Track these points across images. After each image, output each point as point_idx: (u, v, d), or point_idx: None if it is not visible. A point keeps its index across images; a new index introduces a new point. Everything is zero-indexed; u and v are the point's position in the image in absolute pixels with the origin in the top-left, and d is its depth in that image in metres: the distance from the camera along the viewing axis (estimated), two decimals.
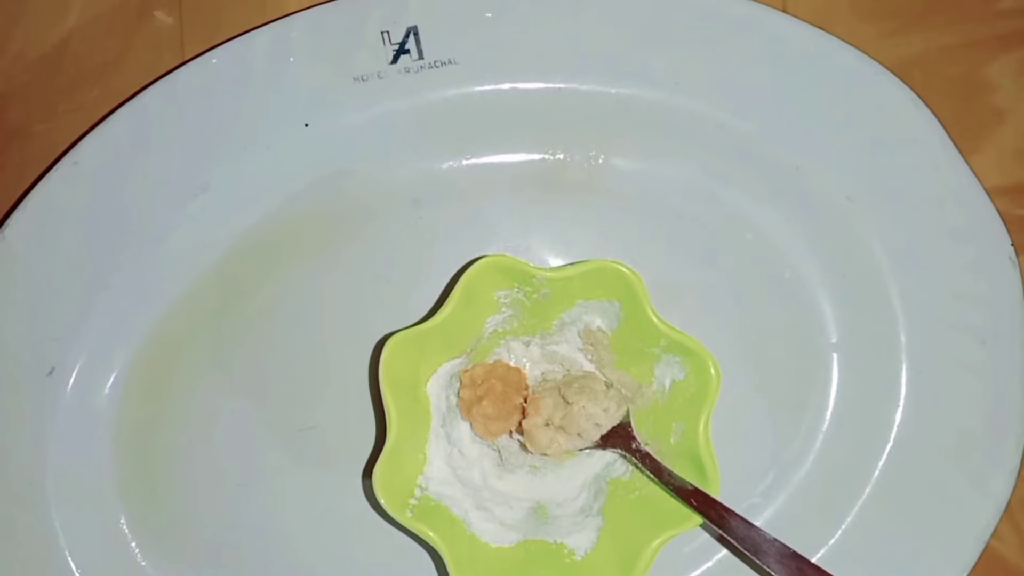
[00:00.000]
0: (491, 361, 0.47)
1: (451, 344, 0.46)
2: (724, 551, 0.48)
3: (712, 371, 0.43)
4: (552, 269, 0.44)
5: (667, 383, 0.46)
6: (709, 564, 0.48)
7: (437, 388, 0.47)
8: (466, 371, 0.46)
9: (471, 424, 0.46)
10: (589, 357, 0.48)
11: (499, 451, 0.47)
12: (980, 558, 0.47)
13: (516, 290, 0.45)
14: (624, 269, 0.43)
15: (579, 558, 0.45)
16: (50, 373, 0.47)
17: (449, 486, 0.46)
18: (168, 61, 0.49)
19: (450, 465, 0.46)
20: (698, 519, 0.43)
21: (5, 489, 0.46)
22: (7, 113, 0.50)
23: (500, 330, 0.47)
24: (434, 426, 0.46)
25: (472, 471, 0.47)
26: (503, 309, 0.46)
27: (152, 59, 0.50)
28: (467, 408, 0.46)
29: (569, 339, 0.48)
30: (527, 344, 0.48)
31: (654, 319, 0.44)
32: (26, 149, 0.50)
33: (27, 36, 0.50)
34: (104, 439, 0.47)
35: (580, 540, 0.45)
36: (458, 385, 0.47)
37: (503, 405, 0.45)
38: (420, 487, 0.45)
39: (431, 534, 0.42)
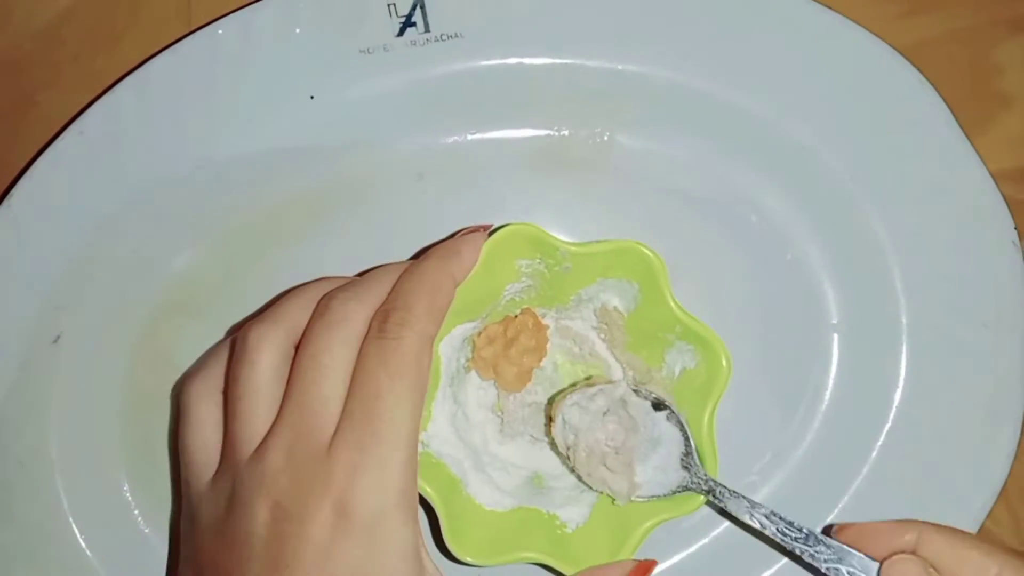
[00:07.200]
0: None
1: (467, 307, 0.46)
2: (723, 525, 0.49)
3: (724, 362, 0.43)
4: (576, 244, 0.44)
5: (676, 370, 0.46)
6: (706, 540, 0.49)
7: (449, 350, 0.47)
8: (479, 333, 0.47)
9: (496, 380, 0.47)
10: (602, 336, 0.48)
11: (502, 418, 0.48)
12: None
13: (538, 261, 0.45)
14: (648, 252, 0.43)
15: (570, 531, 0.45)
16: (55, 341, 0.47)
17: (450, 446, 0.46)
18: (175, 31, 0.49)
19: (453, 425, 0.47)
20: (693, 506, 0.43)
21: (10, 456, 0.47)
22: (13, 81, 0.50)
23: (517, 299, 0.47)
24: (442, 385, 0.46)
25: (474, 434, 0.47)
26: (523, 278, 0.46)
27: (159, 29, 0.50)
28: (493, 363, 0.46)
29: (584, 316, 0.48)
30: (542, 317, 0.48)
31: (672, 305, 0.44)
32: (31, 118, 0.50)
33: (33, 4, 0.50)
34: (108, 407, 0.48)
35: (573, 513, 0.46)
36: (470, 348, 0.47)
37: (539, 335, 0.46)
38: (422, 443, 0.45)
39: (428, 489, 0.43)
